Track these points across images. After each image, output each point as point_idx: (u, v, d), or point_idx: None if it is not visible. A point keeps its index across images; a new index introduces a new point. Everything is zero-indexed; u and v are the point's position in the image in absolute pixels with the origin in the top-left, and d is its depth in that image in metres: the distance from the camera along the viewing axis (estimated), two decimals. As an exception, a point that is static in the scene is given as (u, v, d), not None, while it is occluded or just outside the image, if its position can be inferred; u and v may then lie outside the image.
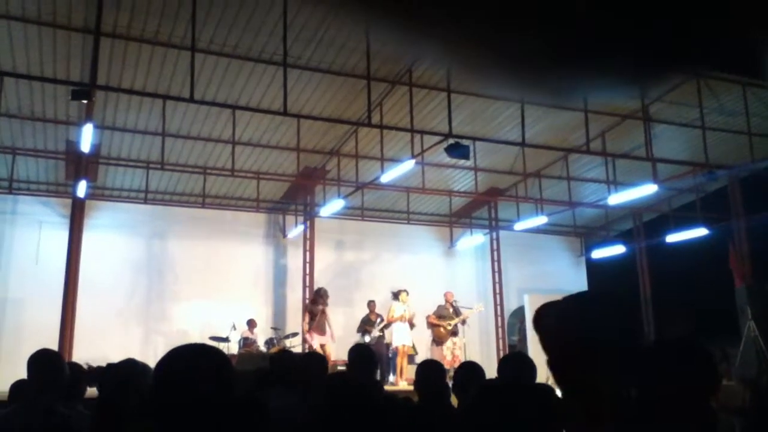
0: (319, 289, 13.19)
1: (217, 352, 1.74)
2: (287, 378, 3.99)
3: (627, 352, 1.27)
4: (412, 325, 12.89)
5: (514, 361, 3.95)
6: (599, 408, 1.25)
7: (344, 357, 7.83)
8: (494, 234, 17.64)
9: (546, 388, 1.59)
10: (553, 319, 1.33)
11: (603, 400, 1.25)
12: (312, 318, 12.85)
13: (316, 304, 12.96)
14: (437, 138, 11.25)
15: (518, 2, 0.65)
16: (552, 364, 1.33)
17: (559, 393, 1.48)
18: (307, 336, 12.83)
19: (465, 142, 10.89)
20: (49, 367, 3.26)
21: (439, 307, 13.46)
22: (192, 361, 1.64)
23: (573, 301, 1.41)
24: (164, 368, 1.63)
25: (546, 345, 1.36)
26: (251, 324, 13.64)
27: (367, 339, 12.70)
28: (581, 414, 1.28)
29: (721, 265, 15.22)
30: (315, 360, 4.29)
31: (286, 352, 6.24)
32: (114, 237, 14.54)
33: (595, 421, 1.26)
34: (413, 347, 13.53)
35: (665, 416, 1.68)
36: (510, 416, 1.32)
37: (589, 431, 1.27)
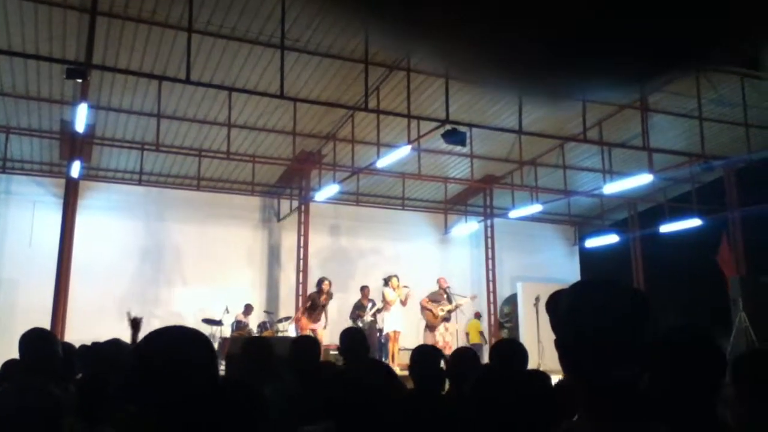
0: (324, 280, 13.08)
1: (200, 336, 1.65)
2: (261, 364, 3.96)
3: (636, 341, 1.26)
4: (404, 303, 12.88)
5: (506, 348, 3.96)
6: (601, 394, 1.25)
7: (337, 341, 7.85)
8: (489, 221, 17.65)
9: (542, 375, 1.59)
10: (566, 303, 1.32)
11: (605, 386, 1.25)
12: (312, 307, 12.86)
13: (320, 297, 12.93)
14: (434, 124, 11.23)
15: (515, 3, 0.64)
16: (560, 347, 1.33)
17: (557, 377, 1.48)
18: (302, 322, 12.86)
19: (461, 128, 10.87)
20: (42, 346, 3.23)
21: (433, 292, 13.49)
22: (177, 348, 1.57)
23: (587, 286, 1.40)
24: (147, 354, 1.57)
25: (556, 329, 1.35)
26: (248, 309, 13.63)
27: (360, 324, 12.72)
28: (582, 399, 1.28)
29: (714, 255, 15.28)
30: (309, 343, 4.29)
31: (257, 338, 6.08)
32: (108, 218, 14.49)
33: (595, 406, 1.26)
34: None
35: (668, 407, 1.68)
36: (513, 405, 1.32)
37: (589, 416, 1.27)
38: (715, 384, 1.91)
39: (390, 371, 2.17)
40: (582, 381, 1.29)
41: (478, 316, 16.19)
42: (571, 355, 1.31)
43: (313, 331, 12.72)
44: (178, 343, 1.59)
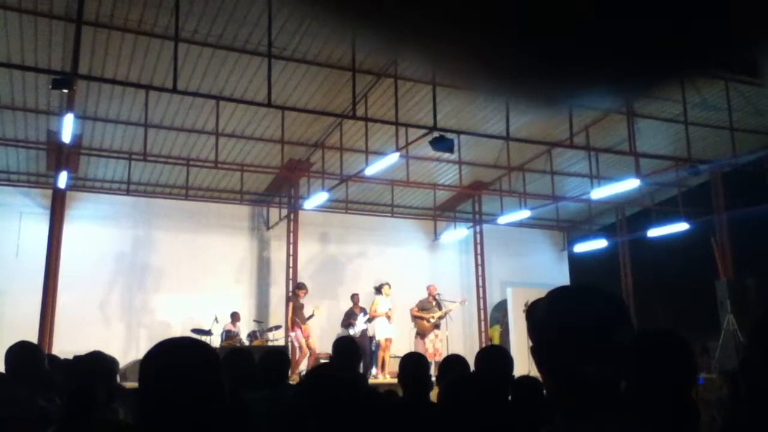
0: (299, 284, 13.27)
1: (210, 348, 1.70)
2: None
3: (610, 344, 1.29)
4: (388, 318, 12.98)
5: (491, 353, 3.96)
6: (578, 394, 1.27)
7: (328, 350, 7.83)
8: (478, 227, 17.68)
9: (531, 380, 1.60)
10: (544, 306, 1.35)
11: (582, 386, 1.26)
12: (294, 310, 12.92)
13: (297, 297, 13.00)
14: (422, 131, 11.25)
15: (506, 8, 0.64)
16: (537, 351, 1.35)
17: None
18: (296, 331, 12.86)
19: (449, 135, 10.90)
20: (27, 359, 3.22)
21: (422, 300, 13.50)
22: (189, 358, 1.58)
23: (565, 290, 1.43)
24: (159, 362, 1.58)
25: (534, 333, 1.38)
26: (235, 317, 13.59)
27: (351, 332, 12.71)
28: (560, 400, 1.30)
29: (702, 259, 15.38)
30: (277, 356, 4.28)
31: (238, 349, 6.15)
32: (95, 228, 14.40)
33: (573, 406, 1.28)
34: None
35: (648, 408, 1.70)
36: (482, 405, 1.33)
37: (567, 417, 1.28)
38: (687, 381, 1.98)
39: (355, 381, 2.16)
40: (560, 382, 1.32)
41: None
42: (549, 356, 1.33)
43: (307, 339, 12.72)
44: (194, 356, 1.60)
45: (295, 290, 13.14)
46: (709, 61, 0.71)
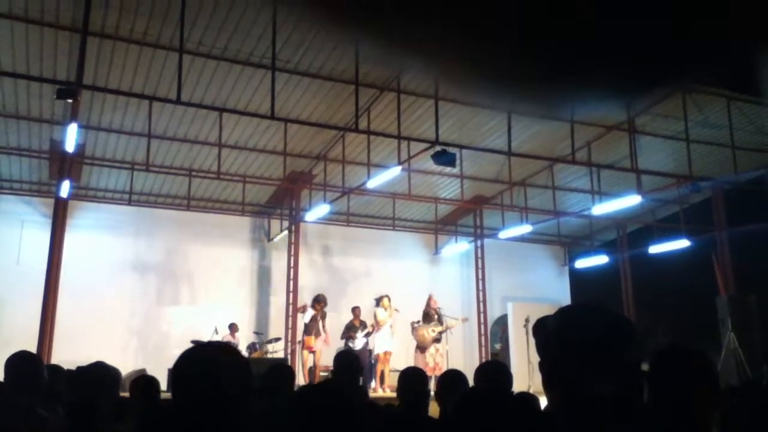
0: (317, 296, 13.21)
1: (240, 354, 1.83)
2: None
3: (614, 357, 1.31)
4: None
5: (490, 369, 3.95)
6: (582, 411, 1.28)
7: (328, 362, 7.80)
8: (479, 242, 17.68)
9: (529, 397, 1.60)
10: (555, 322, 1.38)
11: (586, 403, 1.28)
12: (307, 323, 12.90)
13: (313, 309, 12.97)
14: (424, 145, 11.27)
15: (506, 17, 0.65)
16: (545, 366, 1.38)
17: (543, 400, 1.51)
18: (306, 339, 12.85)
19: (451, 149, 10.92)
20: (27, 368, 3.22)
21: (425, 312, 13.45)
22: (225, 357, 1.68)
23: (574, 308, 1.47)
24: (192, 366, 1.65)
25: (542, 348, 1.41)
26: (233, 328, 13.57)
27: (351, 345, 12.67)
28: (565, 417, 1.31)
29: (702, 276, 15.36)
30: (281, 369, 4.32)
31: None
32: (97, 238, 14.41)
33: (576, 424, 1.29)
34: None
35: (658, 423, 1.71)
36: (493, 425, 1.34)
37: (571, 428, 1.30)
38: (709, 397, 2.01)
39: (351, 393, 2.17)
40: (566, 395, 1.33)
41: None
42: (556, 369, 1.35)
43: (312, 351, 12.68)
44: (230, 361, 1.69)
45: (314, 303, 13.09)
46: (709, 63, 0.72)
